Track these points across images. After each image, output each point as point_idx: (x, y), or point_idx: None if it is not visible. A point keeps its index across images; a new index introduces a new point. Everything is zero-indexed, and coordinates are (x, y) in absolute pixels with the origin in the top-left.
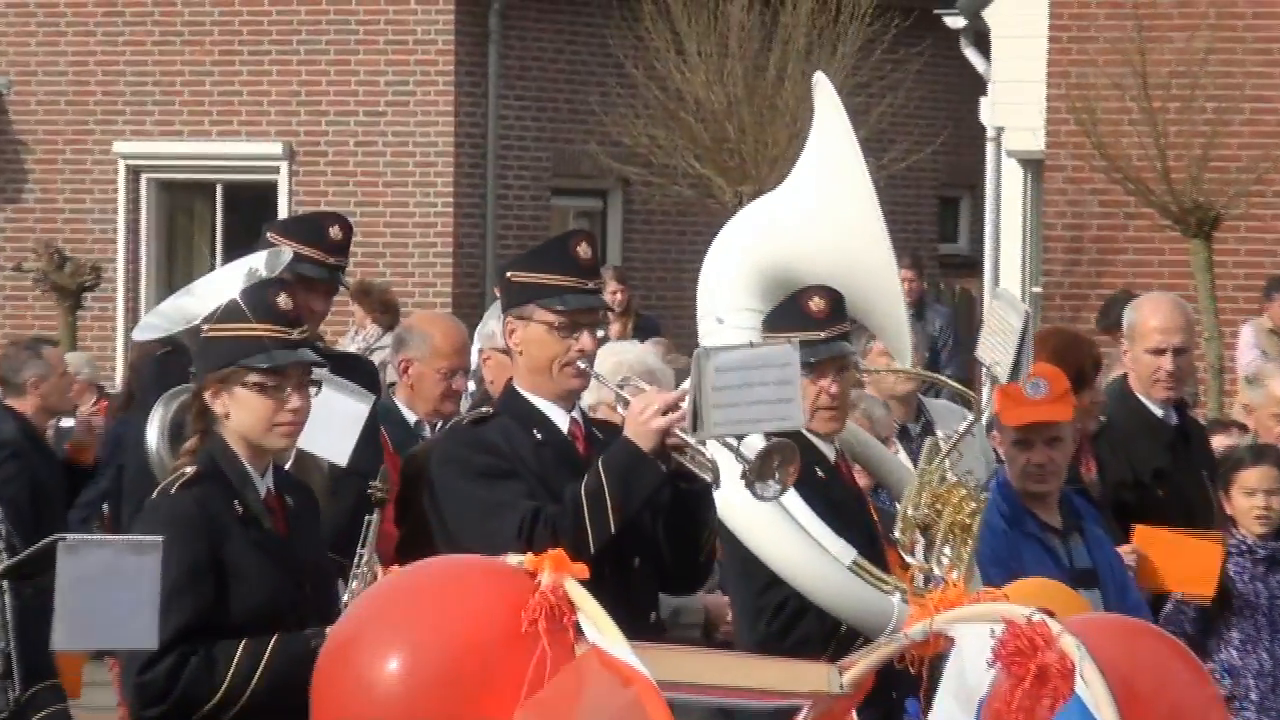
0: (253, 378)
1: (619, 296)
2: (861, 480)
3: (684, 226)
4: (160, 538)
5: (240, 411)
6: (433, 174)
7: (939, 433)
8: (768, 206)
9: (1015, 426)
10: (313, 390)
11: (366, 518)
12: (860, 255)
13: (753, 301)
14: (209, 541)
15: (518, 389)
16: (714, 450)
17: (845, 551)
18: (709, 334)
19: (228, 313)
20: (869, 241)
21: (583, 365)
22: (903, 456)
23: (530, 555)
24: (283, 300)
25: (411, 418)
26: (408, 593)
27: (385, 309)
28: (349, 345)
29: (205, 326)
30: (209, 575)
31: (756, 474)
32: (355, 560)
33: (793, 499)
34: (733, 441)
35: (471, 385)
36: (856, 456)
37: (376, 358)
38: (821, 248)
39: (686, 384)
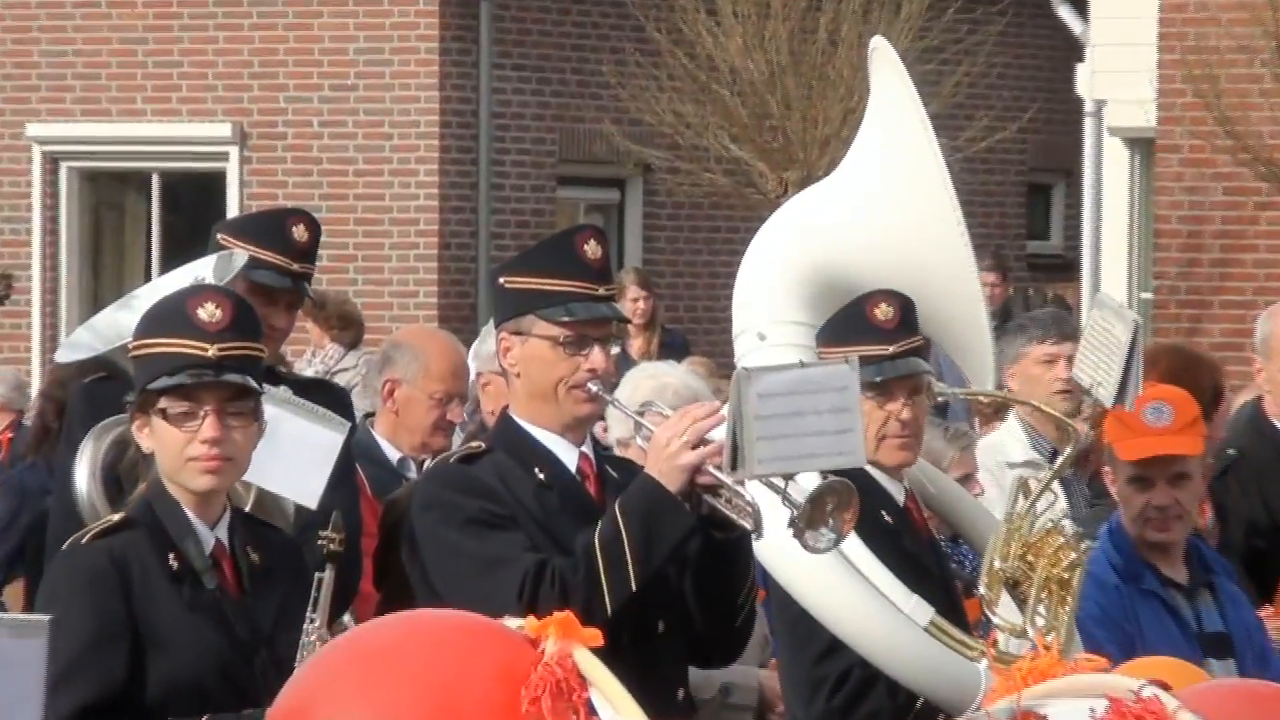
0: (163, 403)
1: (640, 306)
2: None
3: (718, 222)
4: (47, 618)
5: (158, 445)
6: (413, 160)
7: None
8: (818, 197)
9: (1133, 461)
10: (254, 419)
11: (317, 575)
12: (932, 256)
13: (801, 313)
14: (124, 602)
15: (515, 419)
16: (755, 492)
17: (920, 610)
18: (749, 352)
19: (144, 326)
20: (942, 239)
21: (594, 388)
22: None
23: (533, 619)
24: (206, 311)
25: (394, 454)
26: (373, 658)
27: (345, 324)
28: (303, 370)
29: (131, 344)
30: (121, 643)
31: (807, 521)
32: (305, 624)
33: (855, 547)
34: (779, 482)
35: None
36: (928, 499)
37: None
38: (885, 247)
39: (723, 411)
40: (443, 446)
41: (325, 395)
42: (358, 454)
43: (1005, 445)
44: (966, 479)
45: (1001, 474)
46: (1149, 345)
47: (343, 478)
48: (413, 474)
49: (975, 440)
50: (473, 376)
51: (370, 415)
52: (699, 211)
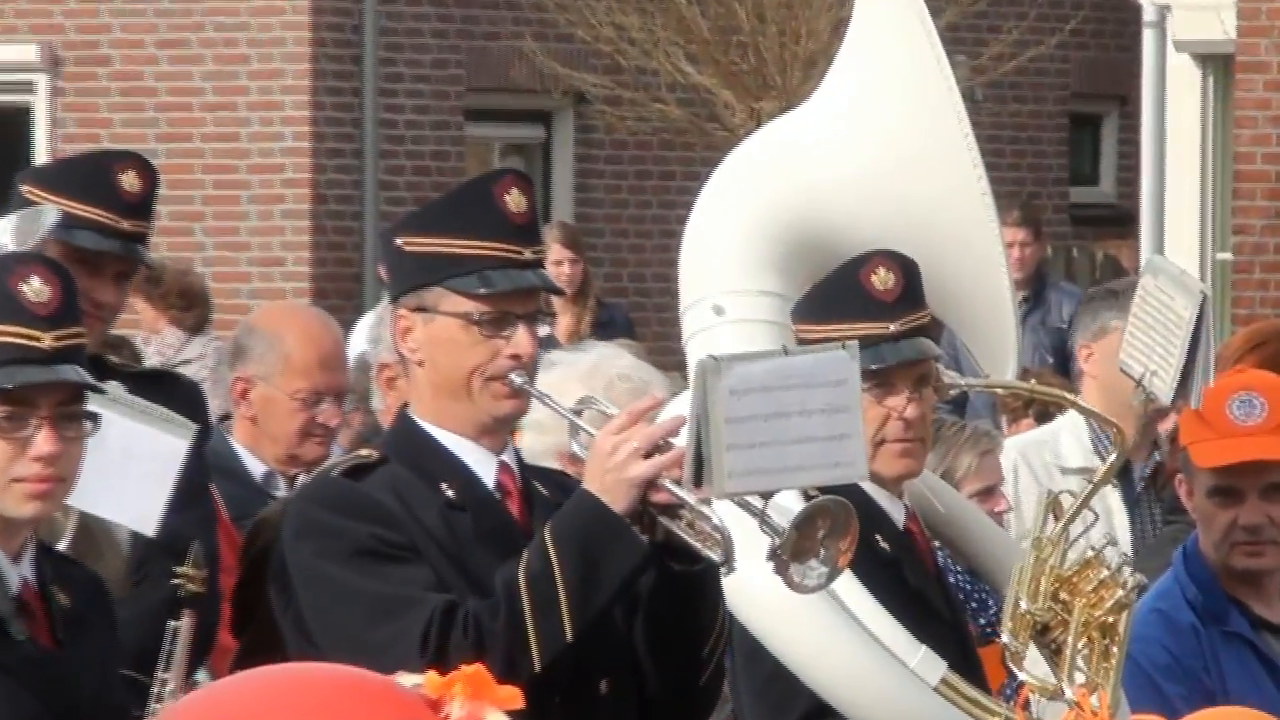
0: None
1: (567, 271)
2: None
3: (671, 165)
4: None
5: None
6: (277, 90)
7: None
8: (793, 131)
9: (1215, 469)
10: (88, 425)
11: (171, 624)
12: (941, 208)
13: (770, 280)
14: None
15: (416, 420)
16: (725, 514)
17: (929, 664)
18: (701, 330)
19: None
20: (954, 185)
21: (518, 380)
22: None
23: (434, 675)
24: (32, 288)
25: (257, 468)
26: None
27: (188, 303)
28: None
29: None
30: None
31: (792, 551)
32: (155, 685)
33: (848, 584)
34: (756, 501)
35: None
36: (933, 520)
37: None
38: (880, 197)
39: (682, 409)
40: (317, 457)
41: (168, 390)
42: (212, 467)
43: (1061, 444)
44: (987, 493)
45: (1050, 479)
46: (1248, 323)
47: (193, 497)
48: (282, 492)
49: (1000, 443)
50: (354, 359)
51: (227, 418)
52: (646, 153)
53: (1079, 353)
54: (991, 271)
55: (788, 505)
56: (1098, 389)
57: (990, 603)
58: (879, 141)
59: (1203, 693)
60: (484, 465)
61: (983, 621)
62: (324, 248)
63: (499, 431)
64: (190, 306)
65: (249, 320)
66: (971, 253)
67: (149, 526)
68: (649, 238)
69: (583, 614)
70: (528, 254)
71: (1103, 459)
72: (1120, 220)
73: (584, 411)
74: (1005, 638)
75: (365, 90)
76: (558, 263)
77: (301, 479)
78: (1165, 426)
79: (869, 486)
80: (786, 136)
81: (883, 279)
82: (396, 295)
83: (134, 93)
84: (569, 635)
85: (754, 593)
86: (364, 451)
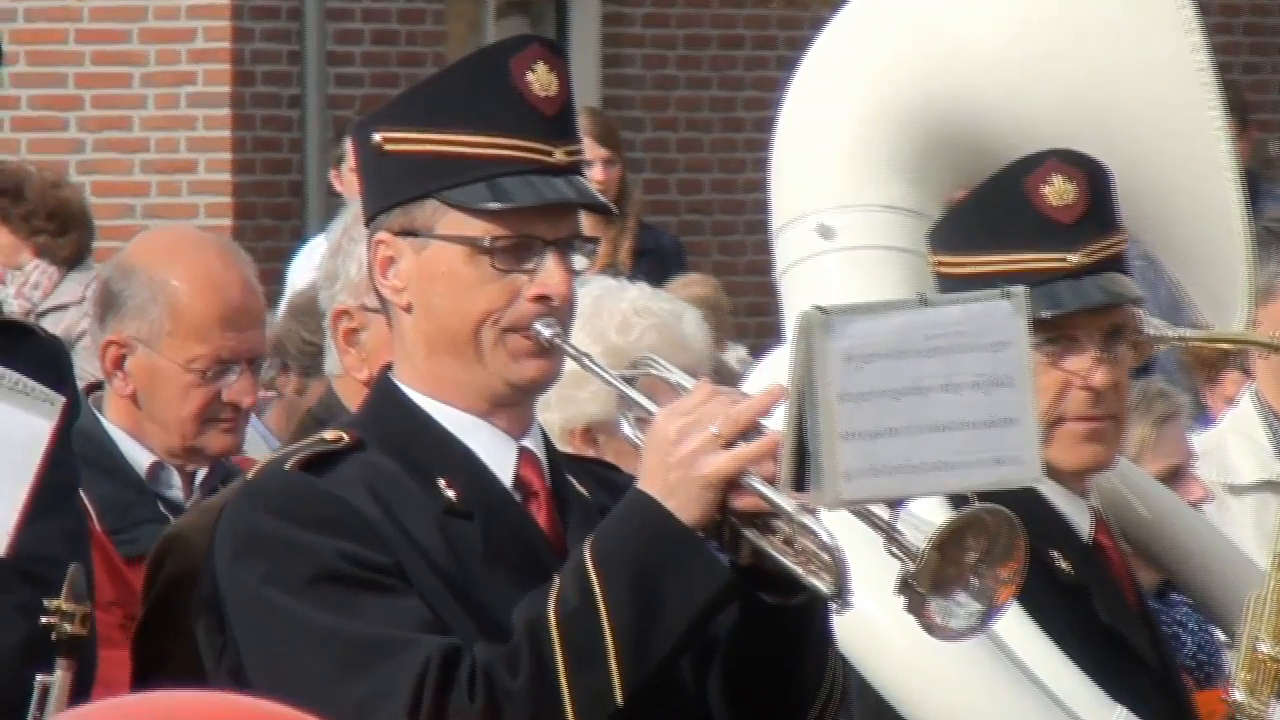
0: None
1: (598, 177)
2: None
3: (735, 27)
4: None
5: None
6: None
7: None
8: None
9: None
10: None
11: (40, 678)
12: (1138, 90)
13: (896, 189)
14: None
15: (401, 388)
16: (838, 527)
17: None
18: (801, 260)
19: None
20: (1158, 57)
21: (546, 331)
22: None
23: None
24: None
25: (140, 459)
26: None
27: (59, 225)
28: None
29: None
30: None
31: (932, 580)
32: None
33: (1014, 622)
34: (881, 511)
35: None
36: (1130, 526)
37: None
38: (1052, 74)
39: (777, 385)
40: (224, 449)
41: (19, 349)
42: (85, 459)
43: (1230, 454)
44: (1175, 476)
45: (1224, 503)
46: None
47: (58, 500)
48: (175, 493)
49: (1182, 408)
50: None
51: (97, 388)
52: (702, 9)
53: None
54: (1211, 177)
55: (926, 517)
56: (1270, 371)
57: (1190, 627)
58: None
59: None
60: (499, 453)
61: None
62: (250, 146)
63: (520, 405)
64: (63, 231)
65: (122, 257)
66: (1183, 152)
67: (1, 541)
68: (707, 130)
69: (638, 667)
70: (559, 155)
71: None
72: None
73: (638, 378)
74: (1238, 694)
75: None
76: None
77: (200, 478)
78: None
79: (1048, 489)
80: None
81: (1059, 191)
82: (374, 213)
83: None
84: (619, 697)
85: (878, 637)
86: (328, 434)
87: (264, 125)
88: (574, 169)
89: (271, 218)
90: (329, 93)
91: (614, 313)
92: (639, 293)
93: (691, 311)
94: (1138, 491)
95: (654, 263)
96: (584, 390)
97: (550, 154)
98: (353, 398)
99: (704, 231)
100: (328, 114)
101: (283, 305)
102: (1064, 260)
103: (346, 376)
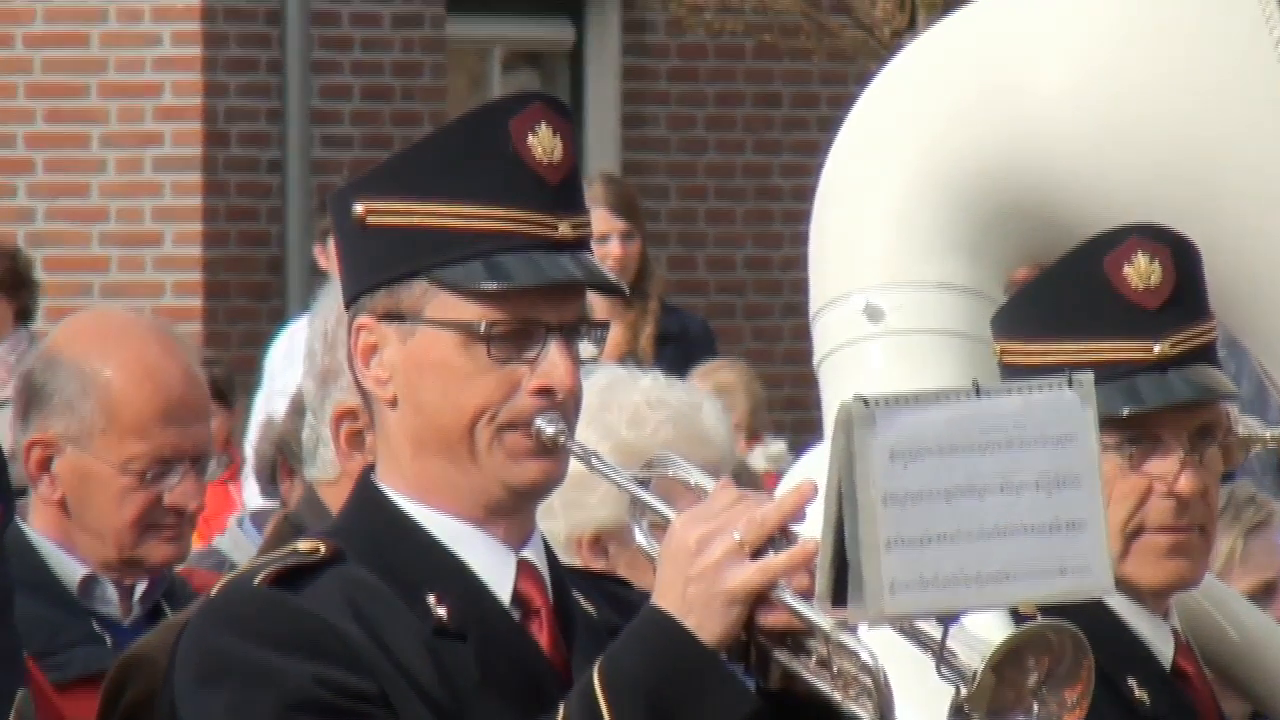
0: None
1: (615, 252)
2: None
3: (773, 84)
4: None
5: None
6: None
7: None
8: (988, 28)
9: None
10: None
11: None
12: (1234, 159)
13: (952, 266)
14: None
15: (385, 493)
16: (881, 646)
17: None
18: (844, 347)
19: None
20: (1257, 123)
21: (549, 428)
22: None
23: None
24: None
25: (71, 572)
26: None
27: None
28: None
29: None
30: None
31: (989, 706)
32: None
33: None
34: (931, 628)
35: (252, 496)
36: (1216, 652)
37: None
38: (1136, 141)
39: (808, 482)
40: (167, 559)
41: None
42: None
43: None
44: (1268, 593)
45: None
46: None
47: None
48: (111, 609)
49: (1275, 516)
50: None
51: (22, 494)
52: (735, 63)
53: None
54: None
55: (981, 635)
56: None
57: None
58: (1139, 47)
59: None
60: (495, 566)
61: None
62: (223, 215)
63: (519, 511)
64: (12, 290)
65: (46, 346)
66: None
67: None
68: (740, 200)
69: None
70: (564, 228)
71: None
72: None
73: (651, 479)
74: None
75: None
76: (600, 238)
77: (140, 592)
78: None
79: (1117, 601)
80: (977, 38)
81: (1143, 271)
82: (355, 294)
83: None
84: None
85: None
86: (302, 544)
87: (239, 192)
88: (581, 244)
89: (247, 298)
90: (313, 156)
91: (625, 405)
92: (652, 382)
93: (711, 402)
94: (1225, 611)
95: (679, 350)
96: (592, 494)
97: (554, 227)
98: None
99: (736, 315)
100: (311, 180)
101: (260, 398)
102: (1148, 350)
103: (335, 482)
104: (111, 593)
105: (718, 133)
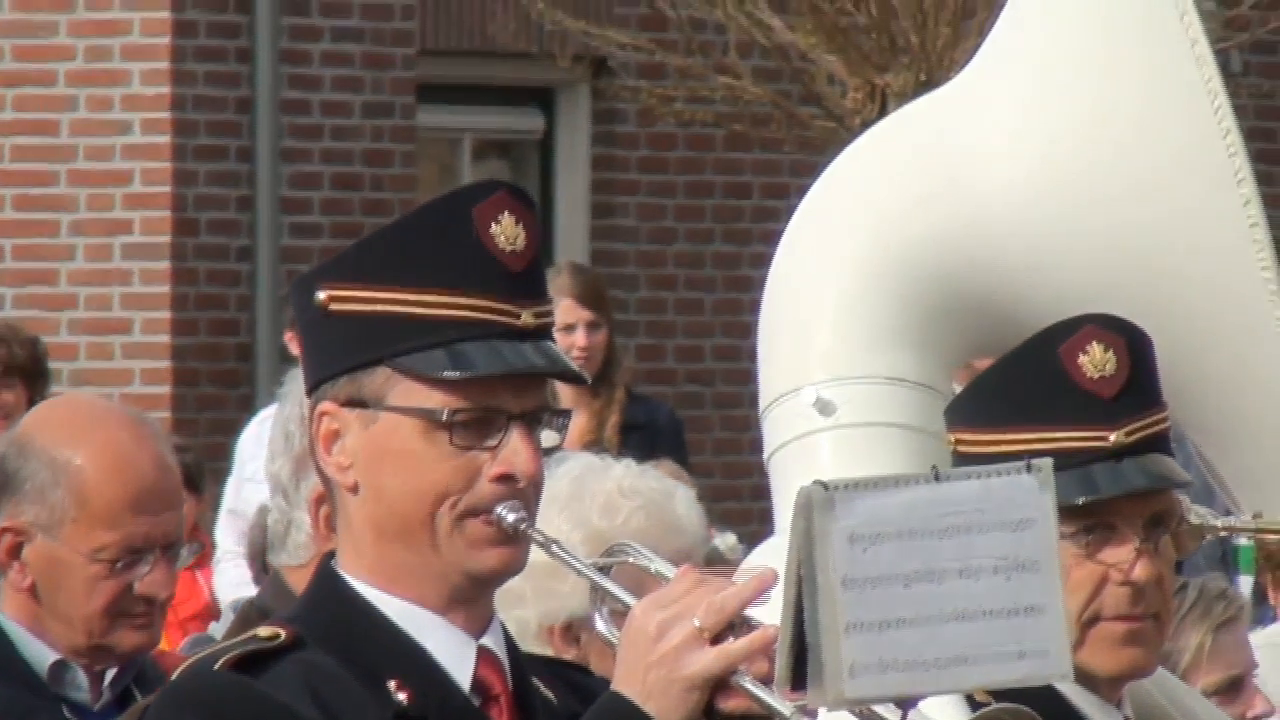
0: None
1: (581, 342)
2: None
3: (743, 173)
4: None
5: None
6: (118, 51)
7: None
8: (940, 124)
9: None
10: None
11: None
12: (1180, 248)
13: (903, 359)
14: None
15: (346, 580)
16: None
17: None
18: (794, 440)
19: None
20: (1203, 208)
21: (510, 516)
22: None
23: None
24: None
25: (42, 657)
26: None
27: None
28: None
29: None
30: None
31: None
32: None
33: None
34: (888, 713)
35: (230, 573)
36: None
37: None
38: (1084, 230)
39: (768, 569)
40: (137, 647)
41: None
42: None
43: None
44: (1232, 690)
45: None
46: None
47: None
48: (82, 695)
49: (1245, 611)
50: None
51: None
52: (704, 153)
53: None
54: (1262, 343)
55: (944, 717)
56: None
57: None
58: (1084, 134)
59: None
60: (456, 653)
61: None
62: (193, 303)
63: (480, 599)
64: (26, 389)
65: (17, 432)
66: (1229, 315)
67: None
68: (710, 290)
69: None
70: (527, 317)
71: None
72: None
73: (610, 568)
74: None
75: (258, 50)
76: (566, 328)
77: (110, 680)
78: None
79: (1071, 689)
80: (929, 131)
81: (1098, 361)
82: (318, 380)
83: None
84: None
85: None
86: (262, 630)
87: (209, 280)
88: (543, 333)
89: (217, 385)
90: (283, 244)
91: (597, 494)
92: (624, 470)
93: (684, 490)
94: (1177, 703)
95: (645, 439)
96: (564, 583)
97: (517, 315)
98: None
99: (705, 405)
100: (281, 268)
101: (230, 486)
102: (1104, 439)
103: (305, 566)
104: (82, 678)
105: (687, 223)
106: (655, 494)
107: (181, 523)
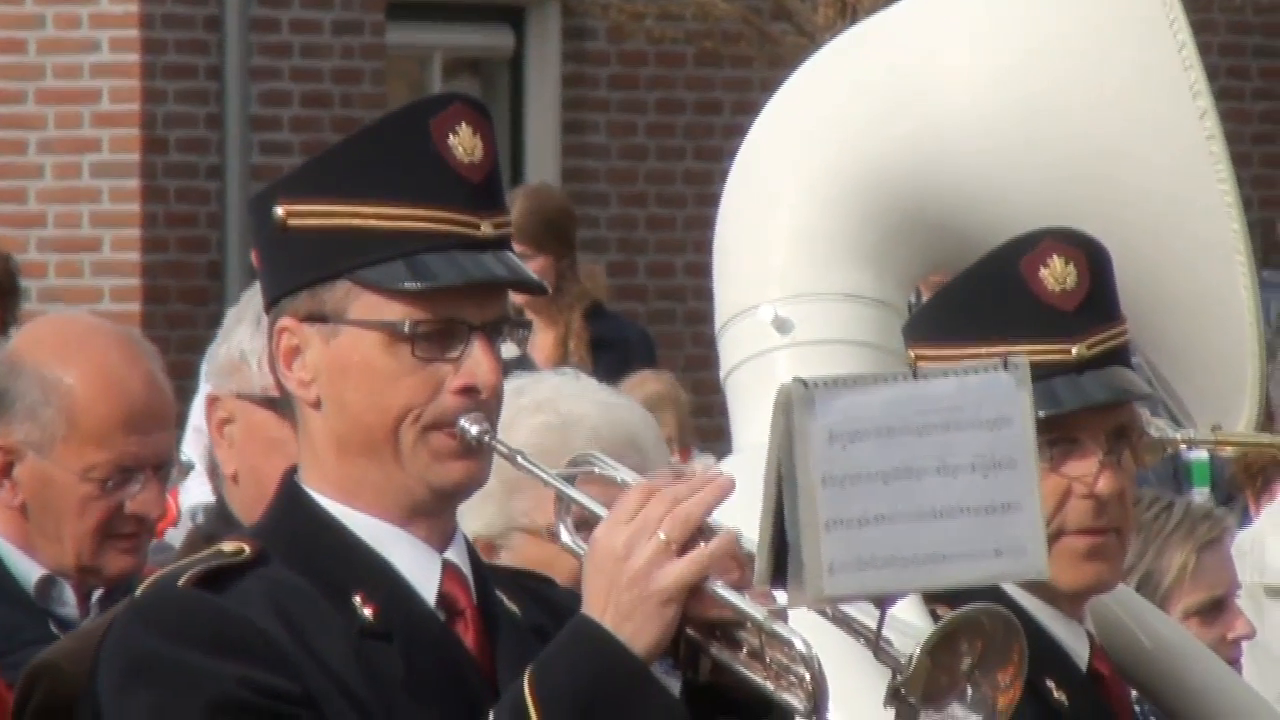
0: None
1: (549, 263)
2: None
3: (714, 91)
4: None
5: None
6: None
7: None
8: (903, 37)
9: None
10: None
11: None
12: (1140, 164)
13: (860, 276)
14: None
15: (310, 494)
16: (814, 634)
17: None
18: (751, 359)
19: None
20: (1162, 126)
21: (473, 429)
22: None
23: None
24: None
25: (30, 573)
26: None
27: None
28: None
29: None
30: None
31: (924, 690)
32: None
33: None
34: (860, 617)
35: (195, 490)
36: (1130, 660)
37: None
38: (1044, 144)
39: (729, 480)
40: (125, 569)
41: None
42: None
43: (1268, 553)
44: (1214, 610)
45: (1261, 605)
46: None
47: None
48: (69, 610)
49: (1230, 529)
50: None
51: None
52: (675, 71)
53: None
54: (1220, 259)
55: (914, 620)
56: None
57: None
58: (1043, 51)
59: None
60: (421, 567)
61: None
62: (162, 221)
63: (443, 512)
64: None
65: (7, 351)
66: (1187, 230)
67: None
68: (681, 206)
69: None
70: (486, 227)
71: None
72: None
73: (575, 477)
74: None
75: None
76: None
77: (97, 599)
78: None
79: (1035, 604)
80: (887, 48)
81: (1058, 274)
82: (277, 296)
83: None
84: None
85: None
86: (226, 546)
87: (178, 198)
88: (503, 243)
89: (186, 303)
90: (253, 162)
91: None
92: (614, 401)
93: (648, 421)
94: (1138, 619)
95: (617, 357)
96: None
97: (476, 226)
98: (246, 507)
99: (676, 321)
100: (251, 186)
101: (196, 403)
102: (1066, 352)
103: (227, 474)
104: (69, 594)
105: (658, 140)
106: (650, 444)
107: (173, 442)
